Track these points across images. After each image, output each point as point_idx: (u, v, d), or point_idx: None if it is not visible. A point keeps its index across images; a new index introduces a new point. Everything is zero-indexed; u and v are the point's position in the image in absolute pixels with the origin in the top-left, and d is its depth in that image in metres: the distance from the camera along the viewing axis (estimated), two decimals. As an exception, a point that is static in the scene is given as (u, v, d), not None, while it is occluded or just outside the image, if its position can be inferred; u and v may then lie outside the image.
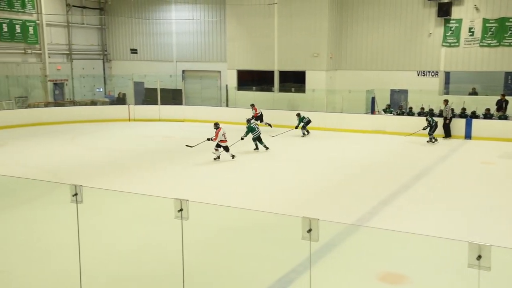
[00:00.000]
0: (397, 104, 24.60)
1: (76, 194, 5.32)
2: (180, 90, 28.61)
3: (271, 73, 27.47)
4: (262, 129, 18.83)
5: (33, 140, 20.27)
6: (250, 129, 17.74)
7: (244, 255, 8.84)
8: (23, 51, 27.44)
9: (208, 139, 16.13)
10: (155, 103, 26.69)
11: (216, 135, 15.91)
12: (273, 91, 27.32)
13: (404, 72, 25.47)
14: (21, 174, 13.64)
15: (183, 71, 30.54)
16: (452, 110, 20.74)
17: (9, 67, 26.70)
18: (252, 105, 23.19)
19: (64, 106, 27.38)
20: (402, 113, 22.85)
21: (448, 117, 20.31)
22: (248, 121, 18.32)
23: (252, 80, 28.23)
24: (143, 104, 28.58)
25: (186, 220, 4.80)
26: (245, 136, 17.74)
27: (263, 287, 7.55)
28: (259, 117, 22.47)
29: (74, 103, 28.63)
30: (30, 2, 27.39)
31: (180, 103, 27.71)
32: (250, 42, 27.61)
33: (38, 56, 28.37)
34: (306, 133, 21.51)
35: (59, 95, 29.42)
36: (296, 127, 21.39)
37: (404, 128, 21.00)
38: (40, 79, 28.34)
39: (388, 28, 25.74)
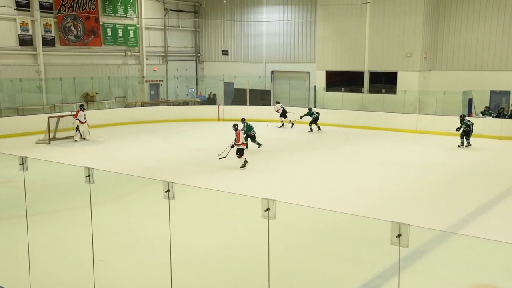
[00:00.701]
0: (498, 106, 23.16)
1: (168, 191, 5.40)
2: (268, 91, 28.96)
3: (361, 73, 26.93)
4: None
5: (130, 137, 21.32)
6: (248, 129, 17.46)
7: (329, 257, 8.77)
8: (123, 54, 28.97)
9: (233, 146, 15.32)
10: (244, 103, 27.14)
11: (238, 136, 15.19)
12: (363, 92, 26.77)
13: (507, 72, 23.89)
14: (119, 170, 14.15)
15: (272, 72, 30.75)
16: None
17: (111, 69, 28.29)
18: (277, 102, 24.89)
19: (158, 105, 28.60)
20: (503, 116, 21.49)
21: None
22: (243, 120, 17.75)
23: (341, 81, 27.80)
24: (232, 104, 29.18)
25: (273, 219, 4.75)
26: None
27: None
28: (282, 114, 24.18)
29: (168, 103, 29.81)
30: (132, 8, 28.93)
31: (268, 104, 28.02)
32: (340, 43, 27.26)
33: (137, 58, 29.84)
34: (313, 129, 22.88)
35: (154, 95, 30.74)
36: (301, 117, 22.98)
37: (504, 131, 19.77)
38: (137, 80, 29.79)
39: (489, 25, 24.32)
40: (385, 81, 26.50)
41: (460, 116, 18.46)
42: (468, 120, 18.24)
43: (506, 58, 24.00)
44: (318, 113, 23.15)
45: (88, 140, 20.12)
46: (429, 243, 8.78)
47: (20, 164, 6.58)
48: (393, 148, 19.13)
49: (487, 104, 23.26)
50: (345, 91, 27.22)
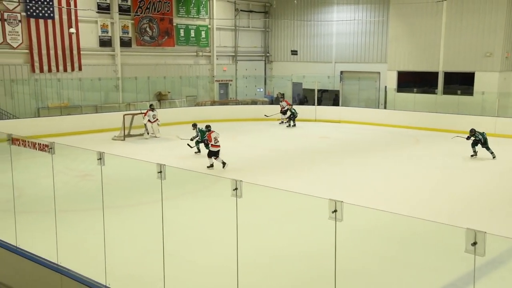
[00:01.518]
0: None
1: (236, 189, 5.38)
2: (337, 91, 28.88)
3: (434, 74, 26.18)
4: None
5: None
6: (202, 134, 16.61)
7: (398, 262, 8.71)
8: (195, 54, 29.66)
9: (200, 142, 15.65)
10: (312, 103, 27.32)
11: (209, 137, 15.11)
12: (436, 93, 26.01)
13: None
14: (188, 167, 14.72)
15: (341, 72, 30.36)
16: None
17: (183, 68, 29.08)
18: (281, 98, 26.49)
19: (227, 105, 29.13)
20: None
21: None
22: (195, 125, 17.31)
23: (414, 81, 27.17)
24: (300, 104, 29.26)
25: (340, 221, 4.67)
26: (196, 138, 17.05)
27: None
28: (285, 111, 25.24)
29: (236, 102, 30.27)
30: (204, 9, 29.66)
31: (337, 104, 28.01)
32: (414, 42, 26.66)
33: (208, 58, 30.47)
34: (292, 124, 25.00)
35: (223, 95, 31.27)
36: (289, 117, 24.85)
37: None
38: (208, 80, 30.39)
39: None
40: (461, 82, 25.61)
41: (471, 131, 17.31)
42: (479, 134, 17.22)
43: None
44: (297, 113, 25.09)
45: (158, 137, 20.92)
46: (507, 252, 8.44)
47: (98, 159, 6.85)
48: (467, 152, 18.60)
49: None
50: (417, 92, 26.57)
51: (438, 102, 25.41)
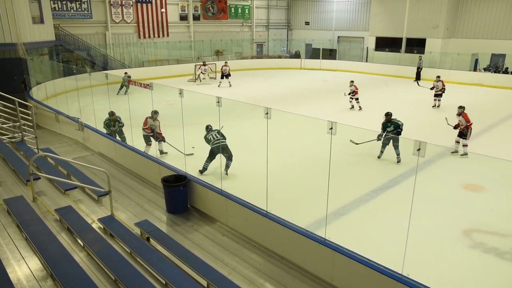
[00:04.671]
0: (495, 65, 20.48)
1: (267, 113, 5.17)
2: (335, 50, 27.61)
3: (400, 39, 24.77)
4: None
5: (243, 79, 21.20)
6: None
7: (369, 158, 8.67)
8: (241, 24, 28.69)
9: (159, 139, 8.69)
10: (318, 58, 26.26)
11: (145, 123, 8.54)
12: (401, 52, 24.78)
13: (503, 41, 20.83)
14: (236, 99, 14.54)
15: (338, 37, 29.06)
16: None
17: (233, 34, 28.27)
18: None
19: (262, 58, 28.39)
20: (498, 72, 19.03)
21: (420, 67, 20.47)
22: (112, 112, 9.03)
23: (386, 44, 25.81)
24: (310, 58, 28.31)
25: (334, 135, 4.50)
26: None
27: (380, 182, 7.54)
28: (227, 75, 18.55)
29: (268, 56, 29.45)
30: (248, -7, 28.29)
31: (335, 58, 26.87)
32: (387, 17, 25.01)
33: (249, 27, 29.40)
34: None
35: (260, 51, 30.47)
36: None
37: (499, 83, 17.54)
38: (249, 41, 29.53)
39: (496, 7, 21.02)
40: (417, 45, 24.25)
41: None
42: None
43: (505, 29, 20.83)
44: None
45: (210, 84, 19.52)
46: (438, 155, 8.46)
47: (179, 94, 6.72)
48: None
49: (488, 63, 20.70)
50: (388, 51, 25.38)
51: (402, 58, 24.29)
